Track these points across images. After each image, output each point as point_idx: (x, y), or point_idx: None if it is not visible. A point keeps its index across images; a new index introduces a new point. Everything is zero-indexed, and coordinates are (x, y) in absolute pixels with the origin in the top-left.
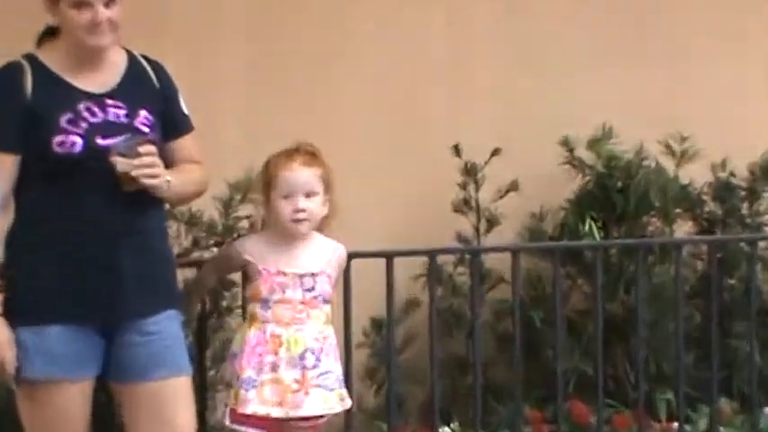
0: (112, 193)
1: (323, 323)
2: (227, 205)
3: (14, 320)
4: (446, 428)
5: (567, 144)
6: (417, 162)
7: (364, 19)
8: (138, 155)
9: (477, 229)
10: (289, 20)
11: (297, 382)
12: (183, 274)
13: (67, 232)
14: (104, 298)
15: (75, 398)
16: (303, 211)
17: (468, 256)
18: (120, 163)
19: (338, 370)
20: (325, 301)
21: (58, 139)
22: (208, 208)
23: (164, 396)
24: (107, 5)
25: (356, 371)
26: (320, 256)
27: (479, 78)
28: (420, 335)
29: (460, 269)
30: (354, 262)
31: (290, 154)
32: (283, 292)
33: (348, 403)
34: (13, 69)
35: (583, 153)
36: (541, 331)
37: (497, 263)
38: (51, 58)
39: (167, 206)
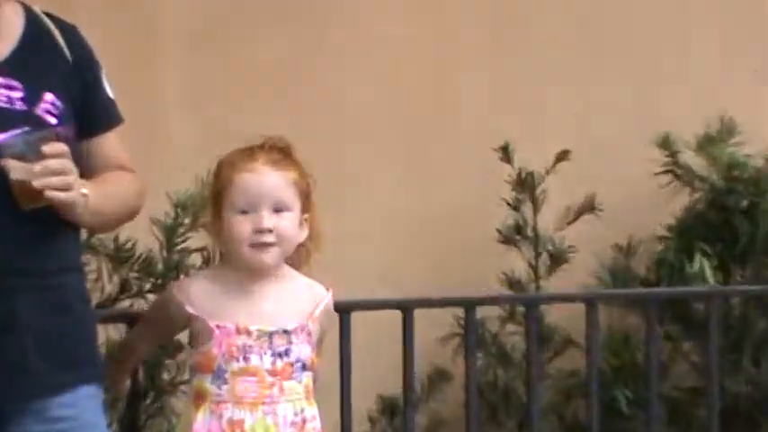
0: (4, 214)
1: (303, 400)
2: (170, 232)
3: None
4: None
5: (667, 145)
6: (448, 171)
7: None
8: (42, 156)
9: (534, 269)
10: None
11: None
12: (107, 333)
13: None
14: None
15: None
16: (269, 231)
17: (521, 308)
18: (15, 169)
19: None
20: (305, 369)
21: None
22: (143, 236)
23: None
24: None
25: None
26: (297, 303)
27: (538, 53)
28: (452, 422)
29: (511, 327)
30: (357, 316)
31: (252, 151)
32: (245, 359)
33: None
34: None
35: (691, 158)
36: (629, 418)
37: (565, 318)
38: None
39: (84, 234)
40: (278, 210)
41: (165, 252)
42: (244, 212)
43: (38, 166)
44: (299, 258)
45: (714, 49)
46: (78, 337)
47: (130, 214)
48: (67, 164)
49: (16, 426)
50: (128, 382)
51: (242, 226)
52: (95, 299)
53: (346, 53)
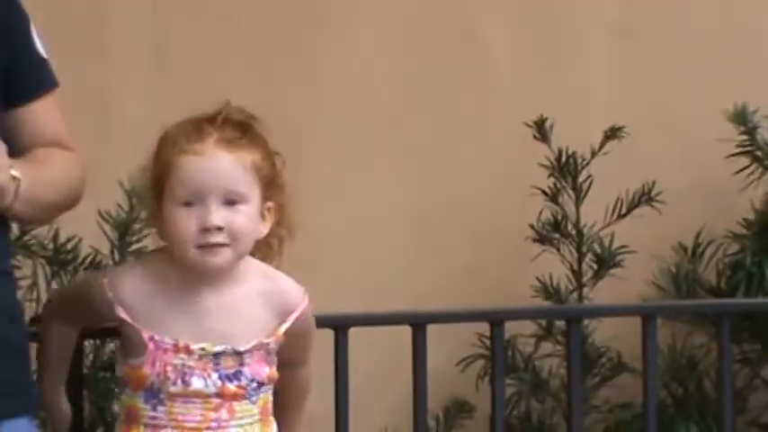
0: None
1: (257, 423)
2: (123, 228)
3: None
4: None
5: (743, 119)
6: (471, 154)
7: None
8: None
9: (577, 275)
10: None
11: None
12: None
13: None
14: None
15: None
16: (219, 229)
17: (561, 324)
18: None
19: None
20: (263, 386)
21: None
22: (89, 234)
23: None
24: None
25: None
26: (257, 315)
27: (582, 8)
28: None
29: (547, 347)
30: (358, 333)
31: (200, 127)
32: (184, 381)
33: None
34: None
35: None
36: None
37: (615, 336)
38: None
39: (14, 230)
40: (230, 202)
41: (117, 253)
42: (188, 204)
43: None
44: (266, 253)
45: None
46: (7, 363)
47: (70, 202)
48: None
49: None
50: (67, 409)
51: (186, 222)
52: (30, 311)
53: (354, 23)
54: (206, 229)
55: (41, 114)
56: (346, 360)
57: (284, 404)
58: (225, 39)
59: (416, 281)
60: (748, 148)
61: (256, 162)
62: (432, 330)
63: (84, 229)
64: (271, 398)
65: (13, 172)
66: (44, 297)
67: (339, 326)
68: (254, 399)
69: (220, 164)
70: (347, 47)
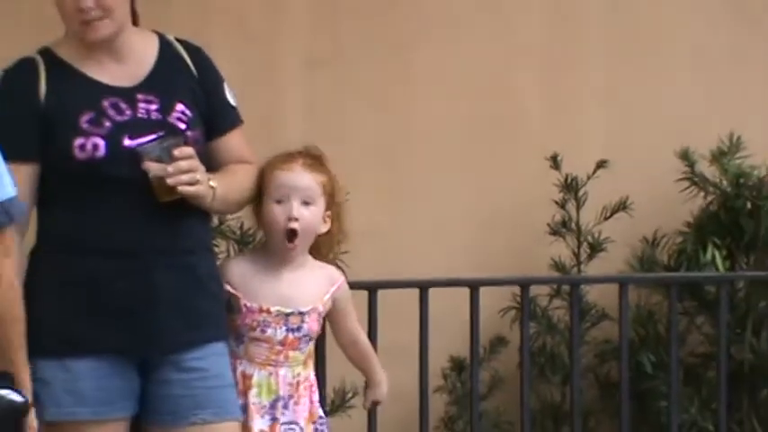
0: (146, 205)
1: (300, 364)
2: None
3: (32, 353)
4: None
5: (686, 157)
6: (507, 175)
7: (443, 3)
8: (174, 159)
9: (577, 256)
10: (357, 5)
11: None
12: None
13: (95, 253)
14: (139, 327)
15: None
16: (296, 220)
17: (566, 287)
18: (153, 168)
19: (303, 419)
20: (310, 340)
21: (78, 142)
22: None
23: None
24: None
25: (432, 419)
26: (314, 289)
27: (582, 79)
28: (508, 379)
29: (557, 302)
30: (432, 292)
31: (292, 155)
32: (262, 330)
33: None
34: (24, 66)
35: (705, 168)
36: (653, 377)
37: (601, 296)
38: (69, 51)
39: (215, 221)
40: (306, 203)
41: None
42: (279, 202)
43: (170, 168)
44: (323, 249)
45: (725, 78)
46: (208, 304)
47: (252, 198)
48: (194, 163)
49: (159, 374)
50: None
51: (278, 214)
52: None
53: (424, 75)
54: (290, 218)
55: (231, 143)
56: (427, 312)
57: (361, 355)
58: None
59: (472, 259)
60: (689, 176)
61: (324, 182)
62: (483, 291)
63: None
64: (312, 347)
65: (212, 183)
66: None
67: (423, 287)
68: (302, 349)
69: (303, 178)
70: (426, 101)
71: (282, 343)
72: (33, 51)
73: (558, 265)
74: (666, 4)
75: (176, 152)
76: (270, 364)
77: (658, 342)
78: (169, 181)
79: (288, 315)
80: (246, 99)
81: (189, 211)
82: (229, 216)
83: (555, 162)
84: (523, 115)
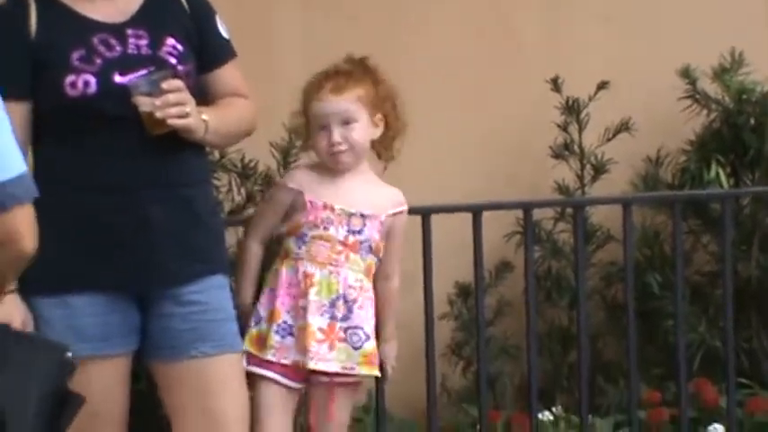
0: (139, 139)
1: (362, 272)
2: (285, 153)
3: (32, 292)
4: (546, 413)
5: (687, 75)
6: (508, 98)
7: None
8: (163, 92)
9: (580, 178)
10: None
11: (322, 331)
12: (237, 234)
13: (90, 190)
14: (136, 261)
15: (109, 377)
16: (339, 143)
17: (570, 210)
18: (143, 103)
19: (369, 327)
20: (371, 251)
21: (69, 79)
22: (263, 157)
23: (206, 377)
24: None
25: (439, 346)
26: (376, 198)
27: (580, 1)
28: (514, 303)
29: (561, 225)
30: (436, 218)
31: (320, 80)
32: (325, 228)
33: (376, 370)
34: (15, 3)
35: (707, 85)
36: (660, 298)
37: (605, 218)
38: None
39: (216, 155)
40: (346, 123)
41: (282, 169)
42: (322, 128)
43: (158, 101)
44: (383, 150)
45: None
46: (206, 237)
47: (247, 132)
48: (183, 96)
49: (158, 308)
50: (251, 296)
51: (321, 141)
52: (227, 207)
53: (422, 4)
54: (332, 144)
55: (225, 76)
56: (430, 236)
57: (386, 298)
58: None
59: (474, 184)
60: (691, 94)
61: (360, 95)
62: (486, 215)
63: (260, 154)
64: (374, 267)
65: (204, 116)
66: (236, 199)
67: (425, 213)
68: (363, 257)
69: (334, 103)
70: (431, 38)
71: (344, 243)
72: None
73: (562, 188)
74: None
75: (164, 85)
76: (331, 264)
77: (664, 262)
78: (158, 114)
79: (350, 215)
80: (240, 32)
81: (183, 145)
82: (230, 149)
83: (555, 85)
84: (522, 39)
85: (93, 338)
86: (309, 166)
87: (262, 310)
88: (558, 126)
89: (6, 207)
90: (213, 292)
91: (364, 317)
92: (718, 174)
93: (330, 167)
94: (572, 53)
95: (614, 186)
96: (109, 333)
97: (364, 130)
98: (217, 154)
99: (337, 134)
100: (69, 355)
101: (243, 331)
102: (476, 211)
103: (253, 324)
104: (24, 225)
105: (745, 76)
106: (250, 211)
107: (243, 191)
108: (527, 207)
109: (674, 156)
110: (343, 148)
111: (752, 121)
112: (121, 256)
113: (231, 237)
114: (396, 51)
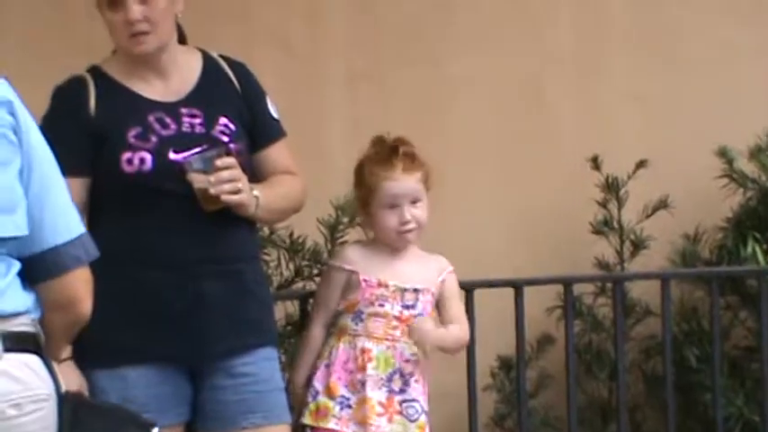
0: (193, 216)
1: (415, 344)
2: (332, 229)
3: (88, 364)
4: None
5: (724, 154)
6: (550, 176)
7: (481, 11)
8: (216, 169)
9: (620, 254)
10: (391, 12)
11: (382, 405)
12: (286, 309)
13: (145, 265)
14: (189, 333)
15: None
16: (410, 222)
17: (609, 285)
18: (197, 180)
19: (423, 399)
20: None
21: (126, 156)
22: (312, 233)
23: None
24: (142, 1)
25: (482, 417)
26: (426, 270)
27: (618, 79)
28: (555, 376)
29: (601, 300)
30: (478, 293)
31: (389, 159)
32: (381, 305)
33: None
34: (74, 84)
35: (744, 164)
36: (698, 371)
37: (644, 292)
38: (116, 68)
39: (265, 231)
40: (414, 202)
41: (329, 244)
42: (391, 208)
43: (212, 177)
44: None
45: (757, 73)
46: (256, 310)
47: (296, 209)
48: (236, 173)
49: (209, 380)
50: (304, 378)
51: (390, 219)
52: (276, 281)
53: (461, 85)
54: (404, 222)
55: (275, 154)
56: (473, 313)
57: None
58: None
59: (517, 259)
60: (728, 173)
61: (422, 177)
62: (527, 290)
63: (309, 230)
64: None
65: (255, 192)
66: (285, 273)
67: (467, 288)
68: None
69: (408, 182)
70: (464, 110)
71: (399, 318)
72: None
73: (602, 264)
74: (692, 2)
75: (218, 162)
76: (387, 339)
77: (702, 336)
78: (212, 190)
79: (404, 291)
80: (290, 113)
81: (235, 221)
82: (279, 225)
83: (595, 163)
84: (559, 120)
85: (146, 410)
86: (360, 244)
87: (318, 384)
88: (598, 203)
89: (68, 268)
90: (263, 364)
91: (420, 390)
92: (754, 250)
93: (388, 244)
94: (609, 133)
95: (653, 262)
96: (162, 405)
97: (426, 208)
98: (266, 230)
99: (408, 213)
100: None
101: (290, 408)
102: (517, 287)
103: (310, 399)
104: (83, 288)
105: None
106: (299, 284)
107: (291, 266)
108: (567, 282)
109: (712, 233)
110: (413, 226)
111: None
112: (176, 329)
113: (279, 310)
114: (434, 129)
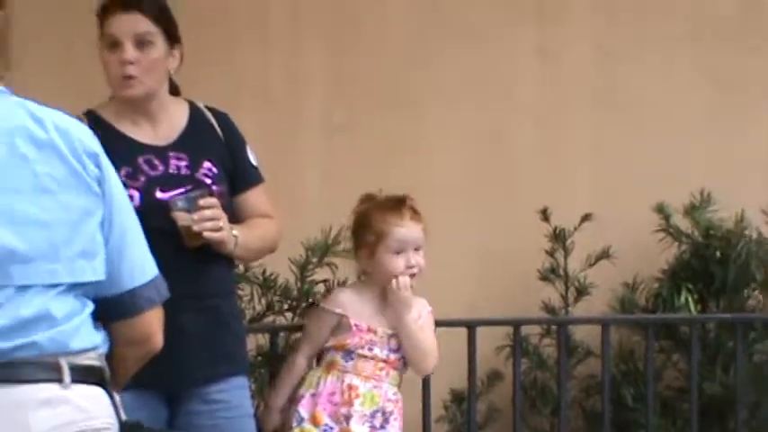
0: (176, 252)
1: (396, 385)
2: (302, 268)
3: None
4: None
5: (662, 211)
6: (503, 226)
7: (454, 66)
8: (199, 208)
9: (565, 299)
10: (368, 68)
11: None
12: (257, 340)
13: None
14: (169, 364)
15: None
16: (415, 267)
17: (555, 328)
18: (181, 218)
19: None
20: (405, 365)
21: None
22: (283, 271)
23: None
24: (139, 46)
25: None
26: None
27: (570, 138)
28: (503, 410)
29: (547, 341)
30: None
31: (398, 208)
32: (370, 348)
33: None
34: None
35: (679, 220)
36: (633, 410)
37: (586, 335)
38: (111, 112)
39: (241, 267)
40: (417, 249)
41: (299, 282)
42: (397, 253)
43: (196, 215)
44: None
45: (698, 139)
46: (231, 341)
47: (272, 249)
48: (218, 212)
49: (186, 406)
50: (282, 403)
51: (397, 264)
52: (248, 314)
53: (432, 131)
54: (410, 267)
55: (253, 198)
56: None
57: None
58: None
59: (469, 299)
60: (665, 228)
61: (423, 227)
62: (480, 330)
63: (280, 268)
64: (402, 376)
65: (234, 232)
66: (257, 307)
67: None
68: (399, 370)
69: (415, 229)
70: (433, 160)
71: (386, 361)
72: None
73: (549, 308)
74: (647, 70)
75: (201, 202)
76: (374, 378)
77: (638, 377)
78: (195, 227)
79: (391, 336)
80: (268, 161)
81: (214, 258)
82: (254, 263)
83: (545, 215)
84: (518, 172)
85: None
86: (350, 289)
87: (303, 411)
88: (546, 252)
89: (143, 309)
90: (235, 392)
91: (397, 427)
92: (687, 300)
93: (378, 290)
94: (560, 186)
95: (595, 307)
96: None
97: (423, 258)
98: (242, 267)
99: (413, 259)
100: None
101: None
102: (471, 326)
103: (295, 423)
104: (156, 324)
105: (712, 213)
106: (270, 318)
107: (263, 301)
108: (517, 324)
109: (649, 282)
110: (416, 271)
111: (718, 254)
112: (157, 358)
113: (251, 342)
114: (403, 177)
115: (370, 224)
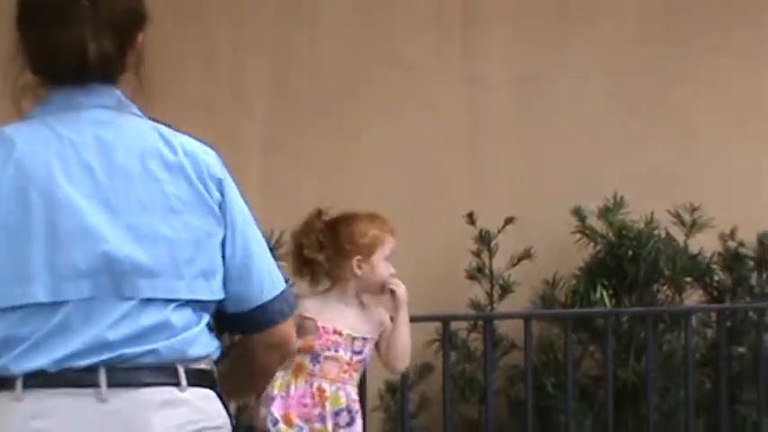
0: None
1: (356, 387)
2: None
3: None
4: None
5: (578, 214)
6: (432, 229)
7: (383, 87)
8: None
9: (490, 296)
10: (307, 89)
11: None
12: None
13: None
14: None
15: None
16: (394, 272)
17: (481, 323)
18: None
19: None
20: (363, 367)
21: None
22: None
23: None
24: None
25: None
26: (370, 322)
27: (495, 148)
28: (434, 399)
29: (474, 335)
30: None
31: (386, 221)
32: (335, 350)
33: None
34: None
35: (594, 222)
36: (553, 396)
37: (510, 329)
38: None
39: None
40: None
41: None
42: (386, 260)
43: None
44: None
45: (611, 150)
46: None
47: None
48: None
49: None
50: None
51: (387, 269)
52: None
53: (368, 148)
54: (392, 274)
55: None
56: None
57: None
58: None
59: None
60: (581, 229)
61: None
62: (412, 326)
63: None
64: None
65: None
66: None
67: None
68: (359, 371)
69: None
70: (368, 175)
71: (349, 363)
72: None
73: (475, 304)
74: (566, 91)
75: None
76: (339, 381)
77: (557, 367)
78: None
79: (354, 339)
80: None
81: None
82: None
83: (471, 219)
84: (446, 180)
85: None
86: (315, 296)
87: (276, 412)
88: (473, 253)
89: (276, 323)
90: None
91: (360, 424)
92: (602, 295)
93: (370, 292)
94: (484, 191)
95: (518, 303)
96: None
97: None
98: None
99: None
100: None
101: None
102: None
103: (270, 426)
104: (291, 331)
105: (624, 215)
106: None
107: None
108: (446, 320)
109: (567, 279)
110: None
111: (630, 253)
112: None
113: None
114: (343, 193)
115: (366, 233)
